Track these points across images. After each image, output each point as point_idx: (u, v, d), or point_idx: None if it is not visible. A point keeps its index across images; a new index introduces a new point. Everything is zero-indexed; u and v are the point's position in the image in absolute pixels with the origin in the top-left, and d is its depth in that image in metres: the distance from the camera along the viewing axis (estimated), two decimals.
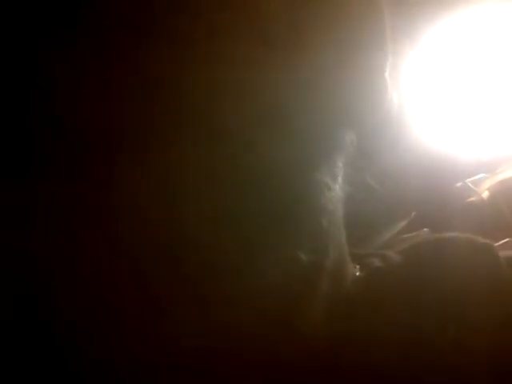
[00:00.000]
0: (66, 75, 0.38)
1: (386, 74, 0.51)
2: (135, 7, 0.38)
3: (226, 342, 0.42)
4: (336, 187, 0.50)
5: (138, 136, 0.39)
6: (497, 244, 0.64)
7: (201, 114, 0.40)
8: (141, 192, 0.40)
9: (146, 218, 0.40)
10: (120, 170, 0.39)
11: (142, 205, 0.40)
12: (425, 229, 0.80)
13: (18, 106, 0.38)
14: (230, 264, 0.43)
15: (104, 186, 0.39)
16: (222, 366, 0.43)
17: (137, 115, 0.39)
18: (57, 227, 0.39)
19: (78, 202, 0.39)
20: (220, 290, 0.42)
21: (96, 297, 0.40)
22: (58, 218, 0.39)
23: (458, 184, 0.84)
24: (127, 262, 0.40)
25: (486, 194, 0.83)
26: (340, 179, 0.50)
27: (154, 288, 0.41)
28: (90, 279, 0.40)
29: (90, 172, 0.39)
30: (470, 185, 0.84)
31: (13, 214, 0.38)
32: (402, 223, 0.81)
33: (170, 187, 0.41)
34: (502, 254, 0.54)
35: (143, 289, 0.41)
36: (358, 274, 0.51)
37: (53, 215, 0.39)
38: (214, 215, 0.42)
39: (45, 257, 0.39)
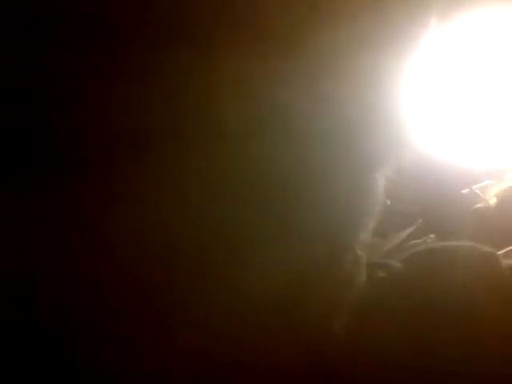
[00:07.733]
0: (65, 79, 0.38)
1: (398, 77, 0.50)
2: (131, 12, 0.38)
3: (223, 349, 0.42)
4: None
5: (136, 141, 0.40)
6: (502, 252, 0.63)
7: (200, 116, 0.40)
8: (139, 198, 0.40)
9: (143, 222, 0.40)
10: (118, 175, 0.40)
11: (139, 210, 0.40)
12: (431, 235, 0.79)
13: (16, 110, 0.38)
14: (227, 271, 0.43)
15: (101, 190, 0.40)
16: (220, 373, 0.43)
17: (135, 120, 0.39)
18: (53, 230, 0.40)
19: (74, 206, 0.39)
20: (216, 297, 0.42)
21: (90, 300, 0.40)
22: (54, 221, 0.40)
23: (465, 190, 0.84)
24: (122, 265, 0.40)
25: (493, 201, 0.83)
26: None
27: (149, 292, 0.41)
28: (84, 283, 0.40)
29: (87, 176, 0.40)
30: (477, 191, 0.84)
31: (9, 217, 0.39)
32: (409, 230, 0.81)
33: (168, 193, 0.41)
34: (506, 262, 0.54)
35: (139, 292, 0.41)
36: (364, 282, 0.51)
37: (49, 218, 0.39)
38: (212, 222, 0.42)
39: (42, 258, 0.39)
